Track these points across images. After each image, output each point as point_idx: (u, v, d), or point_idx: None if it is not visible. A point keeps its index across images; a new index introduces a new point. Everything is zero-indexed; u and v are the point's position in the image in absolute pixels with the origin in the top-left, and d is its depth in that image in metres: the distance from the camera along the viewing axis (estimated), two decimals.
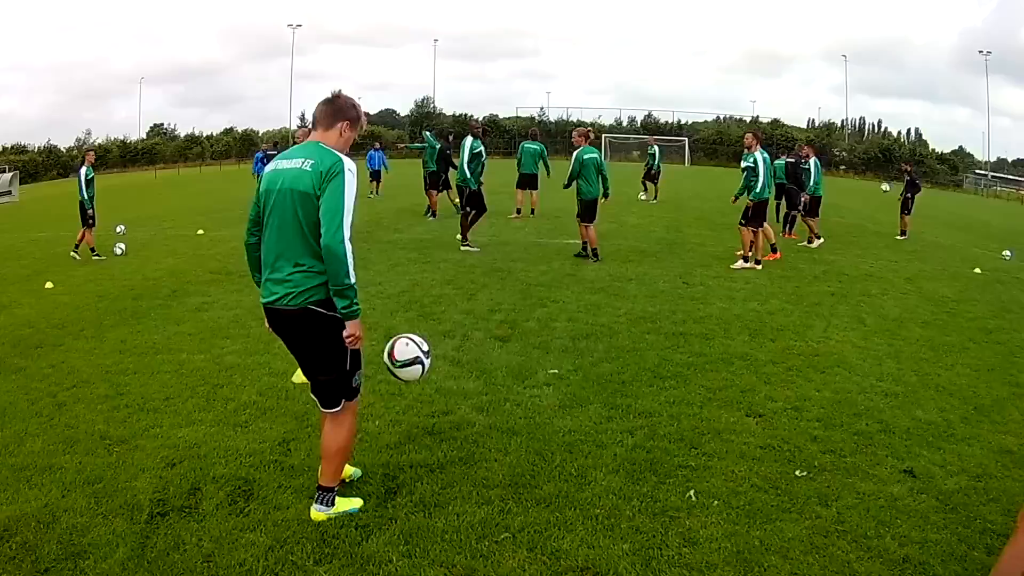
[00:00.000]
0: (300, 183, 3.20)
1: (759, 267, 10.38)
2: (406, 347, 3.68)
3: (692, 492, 3.68)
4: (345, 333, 3.23)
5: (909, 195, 15.61)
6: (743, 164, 10.69)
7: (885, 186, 23.89)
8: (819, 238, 13.32)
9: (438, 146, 15.71)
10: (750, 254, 10.52)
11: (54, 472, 3.89)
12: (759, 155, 10.30)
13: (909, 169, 16.52)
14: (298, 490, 3.65)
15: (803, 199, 13.40)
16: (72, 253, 11.67)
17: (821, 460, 4.12)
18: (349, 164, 3.22)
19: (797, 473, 3.93)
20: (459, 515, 3.41)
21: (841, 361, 6.03)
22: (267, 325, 3.47)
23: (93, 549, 3.16)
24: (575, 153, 10.57)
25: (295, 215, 3.21)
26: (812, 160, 13.61)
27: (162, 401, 4.94)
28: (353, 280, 3.16)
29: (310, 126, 3.68)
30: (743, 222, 10.49)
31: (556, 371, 5.53)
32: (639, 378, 5.41)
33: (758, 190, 10.28)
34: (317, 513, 3.40)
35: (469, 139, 11.21)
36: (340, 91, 3.41)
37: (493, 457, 4.04)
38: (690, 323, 7.09)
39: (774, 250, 11.36)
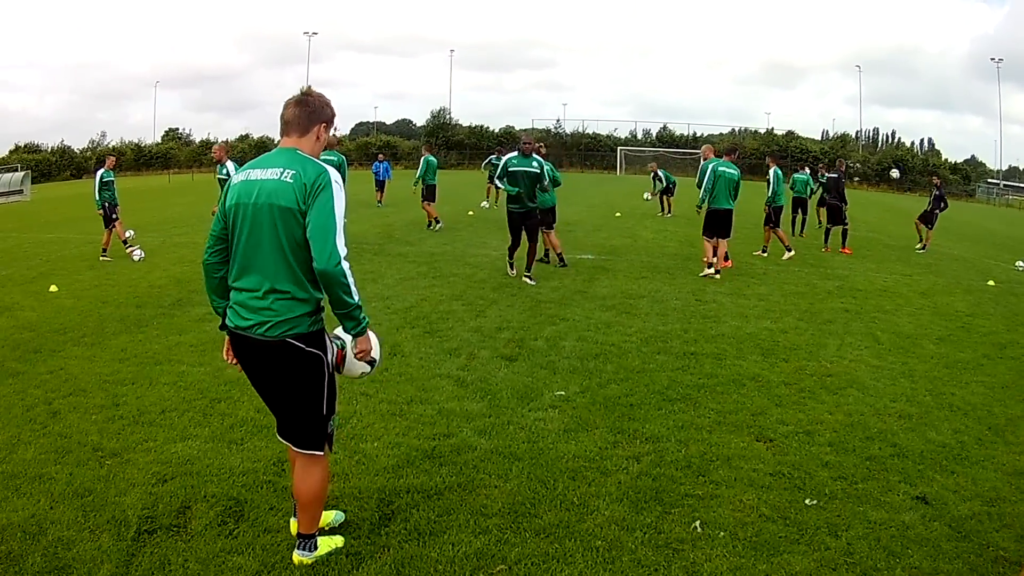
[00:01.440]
0: (281, 197, 2.87)
1: (710, 271, 10.70)
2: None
3: (698, 523, 3.55)
4: (355, 349, 3.07)
5: (936, 210, 15.43)
6: None
7: (894, 172, 24.29)
8: (789, 250, 13.10)
9: (435, 161, 17.07)
10: (715, 261, 10.76)
11: (44, 482, 3.83)
12: (707, 165, 10.73)
13: (939, 183, 16.28)
14: (290, 512, 3.51)
15: (765, 210, 13.52)
16: (122, 253, 11.94)
17: (832, 487, 3.98)
18: (335, 175, 2.93)
19: (807, 502, 3.80)
20: (454, 545, 3.29)
21: (854, 381, 5.88)
22: (225, 354, 3.19)
23: (78, 564, 3.09)
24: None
25: (275, 233, 2.88)
26: (772, 170, 13.55)
27: (158, 414, 4.85)
28: (358, 299, 2.91)
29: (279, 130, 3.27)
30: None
31: (563, 393, 5.39)
32: (648, 401, 5.26)
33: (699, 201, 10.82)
34: (300, 558, 3.13)
35: (508, 155, 10.83)
36: (310, 88, 3.10)
37: (493, 483, 3.91)
38: (702, 342, 6.95)
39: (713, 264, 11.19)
